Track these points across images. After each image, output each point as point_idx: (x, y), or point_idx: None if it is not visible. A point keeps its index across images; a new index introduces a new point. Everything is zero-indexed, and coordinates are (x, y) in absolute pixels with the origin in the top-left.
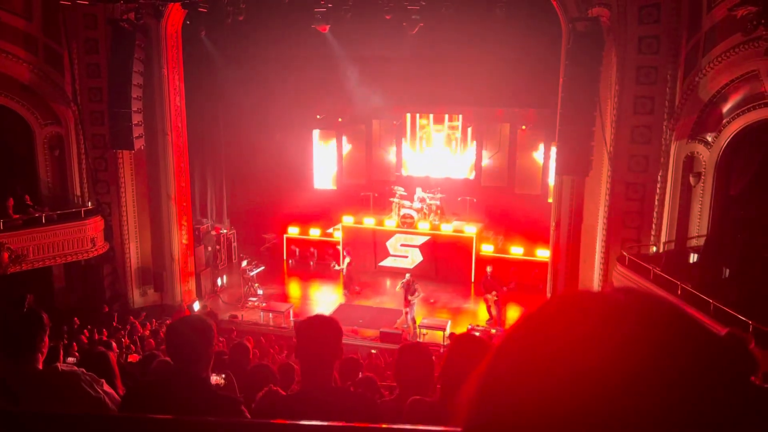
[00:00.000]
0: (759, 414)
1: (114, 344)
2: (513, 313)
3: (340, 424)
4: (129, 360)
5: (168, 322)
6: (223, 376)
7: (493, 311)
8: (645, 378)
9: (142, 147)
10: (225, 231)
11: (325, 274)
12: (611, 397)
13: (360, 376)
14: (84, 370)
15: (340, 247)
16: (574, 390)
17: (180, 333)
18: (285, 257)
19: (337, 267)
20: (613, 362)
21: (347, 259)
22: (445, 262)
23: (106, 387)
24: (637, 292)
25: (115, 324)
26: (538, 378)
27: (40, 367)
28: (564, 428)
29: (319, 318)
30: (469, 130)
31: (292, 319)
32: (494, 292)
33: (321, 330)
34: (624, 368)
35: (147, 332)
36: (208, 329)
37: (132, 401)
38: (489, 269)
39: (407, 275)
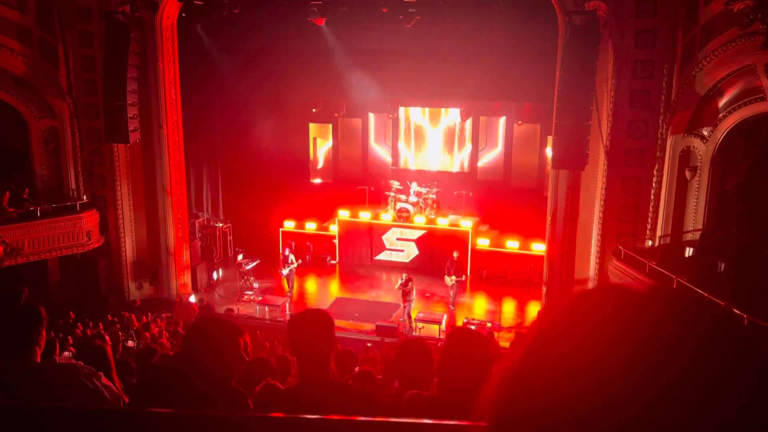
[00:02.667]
0: None
1: (107, 337)
2: (509, 308)
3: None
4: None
5: (165, 315)
6: None
7: (452, 293)
8: (683, 377)
9: (138, 140)
10: (221, 224)
11: (321, 268)
12: (648, 394)
13: (357, 369)
14: (82, 363)
15: (336, 242)
16: (607, 387)
17: (204, 336)
18: (281, 251)
19: (332, 261)
20: (650, 360)
21: (292, 260)
22: (441, 256)
23: (104, 380)
24: (666, 290)
25: (110, 318)
26: (570, 374)
27: (38, 360)
28: (596, 425)
29: (310, 311)
30: (466, 123)
31: (288, 312)
32: (454, 276)
33: (312, 323)
34: (661, 367)
35: (142, 326)
36: (234, 336)
37: (139, 393)
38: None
39: (404, 275)
